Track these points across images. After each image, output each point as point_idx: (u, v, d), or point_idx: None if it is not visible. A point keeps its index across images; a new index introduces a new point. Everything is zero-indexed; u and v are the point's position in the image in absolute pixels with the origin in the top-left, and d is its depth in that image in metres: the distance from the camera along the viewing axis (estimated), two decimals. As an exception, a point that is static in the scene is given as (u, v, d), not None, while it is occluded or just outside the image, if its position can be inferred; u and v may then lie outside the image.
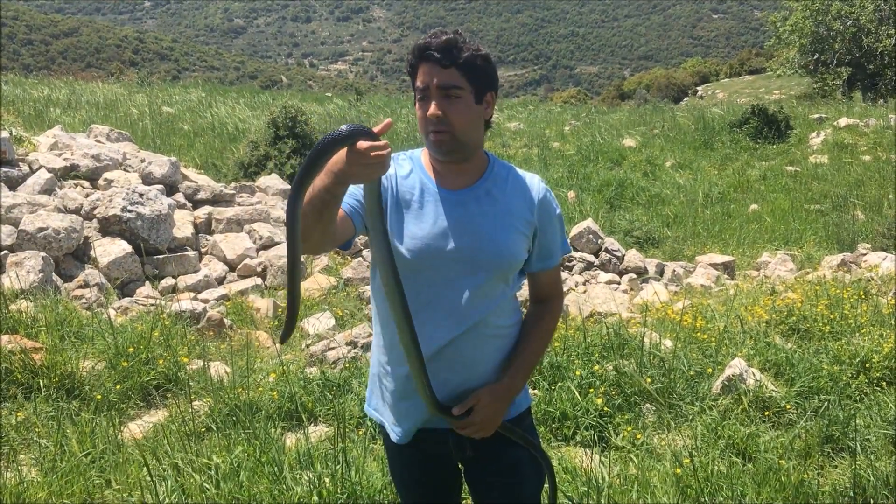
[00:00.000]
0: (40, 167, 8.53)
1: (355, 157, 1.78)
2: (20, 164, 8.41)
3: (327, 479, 3.52)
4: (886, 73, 31.55)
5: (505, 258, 2.20)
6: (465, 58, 2.08)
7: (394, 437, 2.32)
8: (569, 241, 10.56)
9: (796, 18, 32.98)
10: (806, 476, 3.83)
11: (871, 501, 3.66)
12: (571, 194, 15.38)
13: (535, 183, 2.30)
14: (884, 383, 5.10)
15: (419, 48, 2.10)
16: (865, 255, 9.92)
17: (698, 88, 54.28)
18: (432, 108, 2.08)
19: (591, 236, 10.56)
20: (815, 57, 33.04)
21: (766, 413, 4.69)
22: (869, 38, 31.57)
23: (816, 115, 21.42)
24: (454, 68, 2.08)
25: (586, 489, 3.60)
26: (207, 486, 3.50)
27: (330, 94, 32.61)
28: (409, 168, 2.25)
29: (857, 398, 4.91)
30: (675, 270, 10.18)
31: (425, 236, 2.15)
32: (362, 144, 1.78)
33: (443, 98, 2.09)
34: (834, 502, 3.68)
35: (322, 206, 1.89)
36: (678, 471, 3.82)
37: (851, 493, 3.69)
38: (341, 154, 1.81)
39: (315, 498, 3.41)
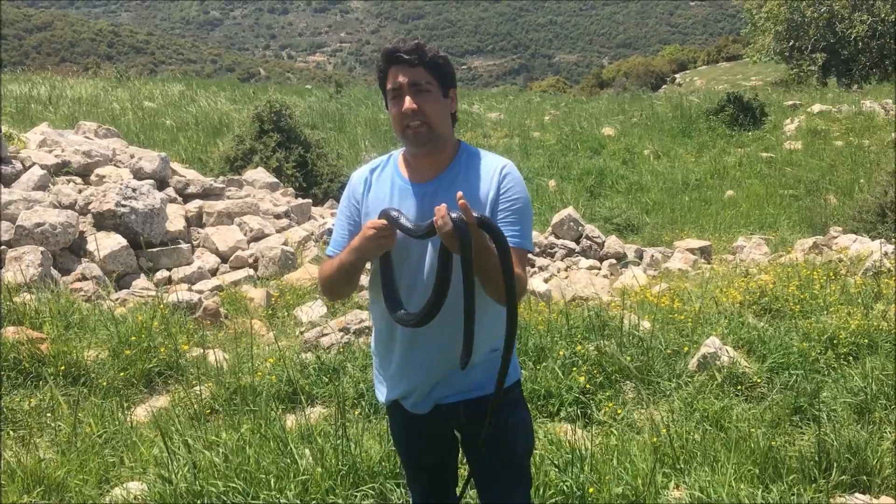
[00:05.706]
0: (33, 164, 8.67)
1: (372, 239, 2.31)
2: (13, 161, 8.55)
3: (330, 452, 3.77)
4: (860, 58, 31.96)
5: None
6: (430, 57, 2.40)
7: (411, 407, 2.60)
8: (550, 229, 10.92)
9: (771, 5, 33.31)
10: (774, 443, 4.11)
11: (835, 464, 3.94)
12: (552, 183, 15.61)
13: (497, 165, 2.46)
14: (850, 358, 5.38)
15: (388, 53, 2.41)
16: (837, 237, 10.21)
17: (676, 76, 54.75)
18: (407, 103, 2.37)
19: (571, 223, 10.83)
20: (791, 44, 33.36)
21: (739, 388, 4.96)
22: (843, 25, 31.93)
23: (791, 102, 21.79)
24: (421, 67, 2.39)
25: (570, 458, 3.86)
26: (217, 460, 3.73)
27: (310, 87, 32.67)
28: (380, 171, 2.55)
29: (825, 372, 5.18)
30: (653, 255, 10.48)
31: None
32: (374, 233, 2.30)
33: (415, 93, 2.37)
34: (800, 465, 3.96)
35: (350, 276, 2.46)
36: (655, 440, 4.10)
37: (816, 458, 3.97)
38: (363, 237, 2.33)
39: (319, 469, 3.65)
